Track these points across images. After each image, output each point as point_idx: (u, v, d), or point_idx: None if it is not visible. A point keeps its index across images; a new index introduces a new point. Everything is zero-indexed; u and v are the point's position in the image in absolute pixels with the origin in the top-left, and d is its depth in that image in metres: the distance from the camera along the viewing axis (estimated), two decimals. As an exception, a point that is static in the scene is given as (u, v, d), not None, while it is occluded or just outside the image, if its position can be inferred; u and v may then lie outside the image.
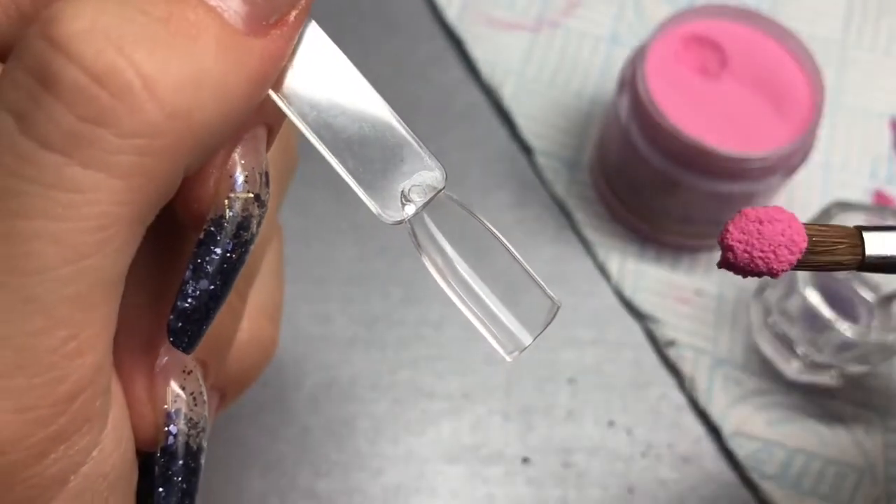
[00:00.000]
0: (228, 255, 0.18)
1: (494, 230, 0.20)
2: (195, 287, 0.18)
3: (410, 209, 0.19)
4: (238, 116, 0.17)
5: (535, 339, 0.19)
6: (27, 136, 0.15)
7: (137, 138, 0.15)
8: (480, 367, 0.41)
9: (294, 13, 0.17)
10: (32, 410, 0.16)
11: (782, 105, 0.39)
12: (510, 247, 0.20)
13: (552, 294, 0.20)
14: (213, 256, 0.18)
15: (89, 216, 0.15)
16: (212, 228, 0.18)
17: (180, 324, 0.18)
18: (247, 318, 0.24)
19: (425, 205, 0.19)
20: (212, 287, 0.18)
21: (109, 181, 0.15)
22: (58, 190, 0.15)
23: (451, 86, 0.48)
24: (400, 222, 0.19)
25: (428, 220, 0.19)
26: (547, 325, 0.19)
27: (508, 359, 0.19)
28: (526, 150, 0.46)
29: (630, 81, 0.40)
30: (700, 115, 0.38)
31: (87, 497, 0.17)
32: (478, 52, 0.48)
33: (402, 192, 0.19)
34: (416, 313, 0.42)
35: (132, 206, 0.16)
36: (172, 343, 0.18)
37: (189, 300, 0.18)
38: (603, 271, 0.43)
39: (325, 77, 0.19)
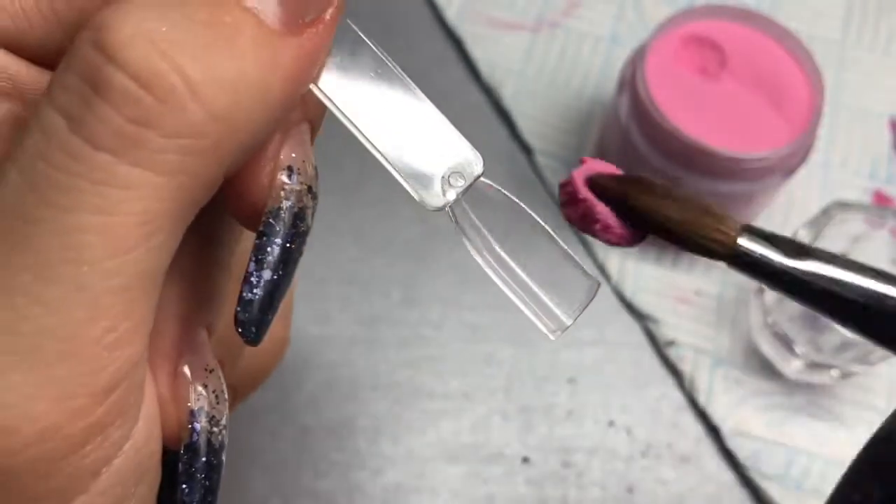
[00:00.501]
0: (288, 245, 0.19)
1: (532, 213, 0.20)
2: (259, 277, 0.19)
3: (451, 195, 0.20)
4: (277, 115, 0.18)
5: (576, 319, 0.20)
6: (77, 136, 0.16)
7: (181, 138, 0.16)
8: (480, 367, 0.41)
9: (330, 11, 0.18)
10: (73, 400, 0.16)
11: (782, 105, 0.39)
12: (548, 228, 0.20)
13: (591, 273, 0.20)
14: (275, 247, 0.18)
15: (135, 211, 0.16)
16: (271, 220, 0.18)
17: (247, 315, 0.19)
18: None
19: (465, 190, 0.20)
20: (275, 277, 0.19)
21: (155, 179, 0.16)
22: (106, 186, 0.16)
23: (451, 86, 0.48)
24: (441, 208, 0.20)
25: (466, 205, 0.20)
26: (587, 304, 0.20)
27: (552, 337, 0.20)
28: (526, 150, 0.46)
29: (630, 81, 0.40)
30: (700, 115, 0.38)
31: (117, 490, 0.18)
32: (478, 52, 0.48)
33: (443, 178, 0.20)
34: (416, 313, 0.42)
35: (175, 203, 0.16)
36: (241, 334, 0.19)
37: (255, 290, 0.19)
38: (603, 271, 0.43)
39: (362, 70, 0.19)
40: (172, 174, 0.16)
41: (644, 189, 0.19)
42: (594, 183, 0.20)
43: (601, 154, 0.44)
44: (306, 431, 0.39)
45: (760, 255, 0.18)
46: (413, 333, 0.41)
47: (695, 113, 0.38)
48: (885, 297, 0.17)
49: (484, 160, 0.20)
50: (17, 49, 0.19)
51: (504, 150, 0.46)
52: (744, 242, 0.18)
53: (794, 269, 0.18)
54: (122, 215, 0.16)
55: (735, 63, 0.40)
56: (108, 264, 0.16)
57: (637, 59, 0.39)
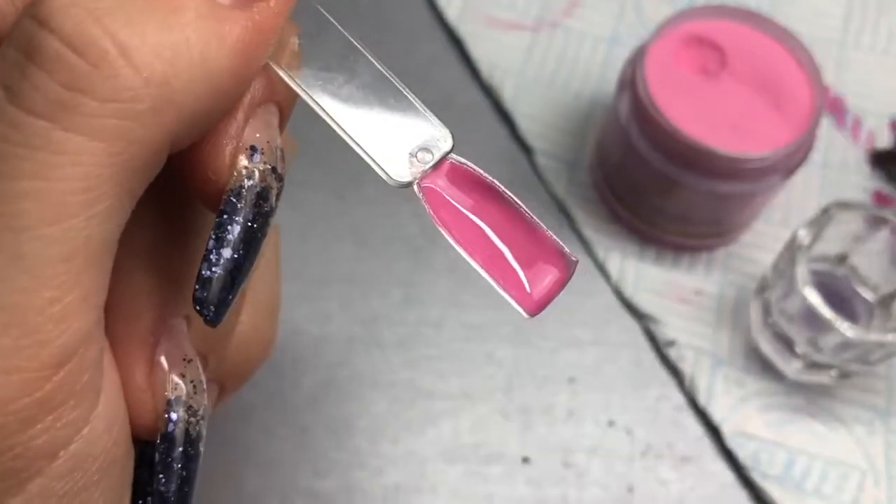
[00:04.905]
0: (249, 224, 0.18)
1: (507, 191, 0.20)
2: (218, 255, 0.18)
3: (418, 171, 0.19)
4: (226, 88, 0.18)
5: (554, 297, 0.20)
6: (14, 105, 0.16)
7: (116, 103, 0.16)
8: (480, 367, 0.41)
9: None
10: (17, 373, 0.16)
11: (782, 105, 0.39)
12: (519, 203, 0.20)
13: (568, 251, 0.20)
14: (235, 225, 0.18)
15: (73, 177, 0.16)
16: (232, 198, 0.18)
17: (205, 293, 0.18)
18: (245, 313, 0.24)
19: (434, 166, 0.20)
20: (235, 256, 0.18)
21: (91, 144, 0.16)
22: (43, 152, 0.16)
23: (451, 86, 0.48)
24: (408, 184, 0.19)
25: (442, 184, 0.20)
26: (566, 282, 0.20)
27: (526, 316, 0.20)
28: (526, 150, 0.46)
29: (630, 81, 0.40)
30: (700, 115, 0.38)
31: (76, 476, 0.17)
32: (478, 52, 0.48)
33: (410, 154, 0.19)
34: (416, 313, 0.42)
35: (115, 170, 0.16)
36: (199, 313, 0.18)
37: (213, 268, 0.18)
38: (603, 271, 0.43)
39: (327, 50, 0.19)
40: (110, 140, 0.16)
41: None
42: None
43: (601, 154, 0.44)
44: (305, 431, 0.39)
45: None
46: (413, 333, 0.41)
47: (695, 113, 0.38)
48: None
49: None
50: None
51: (504, 150, 0.46)
52: None
53: None
54: (60, 181, 0.16)
55: (735, 63, 0.40)
56: (48, 231, 0.16)
57: (637, 59, 0.39)
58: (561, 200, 0.44)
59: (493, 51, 0.48)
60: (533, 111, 0.46)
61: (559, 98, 0.47)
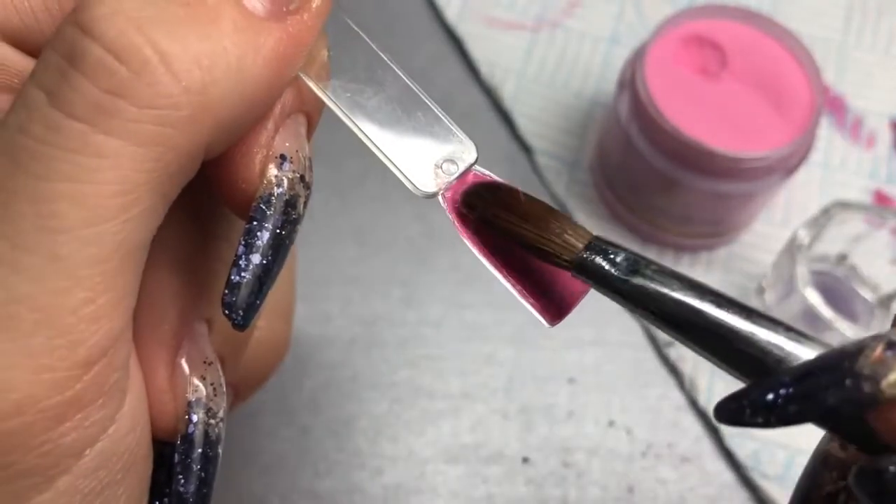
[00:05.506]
0: (278, 231, 0.19)
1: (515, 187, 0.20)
2: (247, 261, 0.19)
3: (444, 181, 0.20)
4: (260, 97, 0.18)
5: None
6: (55, 108, 0.16)
7: (155, 109, 0.16)
8: (480, 367, 0.41)
9: (317, 1, 0.18)
10: (49, 372, 0.16)
11: (782, 105, 0.39)
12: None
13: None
14: (265, 232, 0.19)
15: (110, 180, 0.16)
16: (261, 206, 0.19)
17: (234, 297, 0.19)
18: (262, 318, 0.25)
19: (458, 177, 0.20)
20: (264, 262, 0.19)
21: (129, 148, 0.16)
22: (81, 155, 0.16)
23: (451, 86, 0.48)
24: (433, 195, 0.20)
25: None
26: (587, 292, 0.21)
27: (547, 325, 0.20)
28: (526, 150, 0.46)
29: (630, 82, 0.40)
30: (700, 115, 0.38)
31: (101, 475, 0.18)
32: (478, 52, 0.48)
33: (436, 165, 0.20)
34: (416, 313, 0.42)
35: (151, 175, 0.17)
36: (227, 317, 0.19)
37: (242, 273, 0.19)
38: (603, 271, 0.43)
39: (356, 62, 0.20)
40: (148, 145, 0.16)
41: (501, 204, 0.20)
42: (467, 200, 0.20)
43: (601, 154, 0.44)
44: (306, 431, 0.39)
45: (598, 268, 0.20)
46: (413, 333, 0.41)
47: (695, 113, 0.38)
48: (701, 312, 0.19)
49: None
50: (24, 45, 0.19)
51: (504, 150, 0.46)
52: (587, 255, 0.19)
53: (626, 284, 0.20)
54: (97, 184, 0.16)
55: (735, 63, 0.40)
56: (84, 233, 0.16)
57: (637, 59, 0.39)
58: (561, 200, 0.44)
59: (493, 51, 0.48)
60: (533, 111, 0.46)
61: (559, 98, 0.47)
